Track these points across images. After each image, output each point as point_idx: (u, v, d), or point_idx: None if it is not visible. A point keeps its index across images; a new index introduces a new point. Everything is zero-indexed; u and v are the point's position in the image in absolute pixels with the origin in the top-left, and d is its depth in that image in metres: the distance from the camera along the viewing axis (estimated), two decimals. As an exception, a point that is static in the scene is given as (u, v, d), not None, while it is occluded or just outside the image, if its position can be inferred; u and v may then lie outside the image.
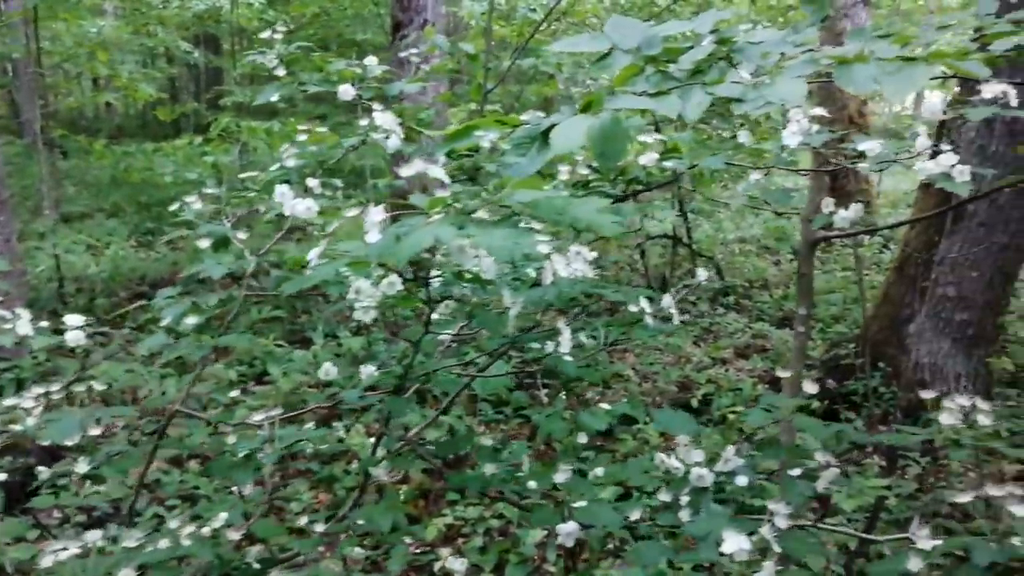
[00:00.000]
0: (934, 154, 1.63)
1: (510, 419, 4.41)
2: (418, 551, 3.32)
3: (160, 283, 6.89)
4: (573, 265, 1.30)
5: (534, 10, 7.25)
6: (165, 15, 11.32)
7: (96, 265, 7.70)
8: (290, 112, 11.25)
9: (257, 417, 1.70)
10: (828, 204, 2.13)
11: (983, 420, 1.74)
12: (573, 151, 1.13)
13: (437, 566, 3.13)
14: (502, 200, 1.18)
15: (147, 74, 11.70)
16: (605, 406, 4.03)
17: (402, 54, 3.10)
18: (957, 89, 4.39)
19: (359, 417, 4.29)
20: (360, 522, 1.97)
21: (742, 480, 1.31)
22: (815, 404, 4.52)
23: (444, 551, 3.21)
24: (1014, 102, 1.36)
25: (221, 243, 1.75)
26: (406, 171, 1.25)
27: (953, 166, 1.37)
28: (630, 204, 2.38)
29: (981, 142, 4.34)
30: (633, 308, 1.59)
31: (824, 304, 6.25)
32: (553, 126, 1.18)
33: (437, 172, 1.25)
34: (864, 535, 2.04)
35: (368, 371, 1.70)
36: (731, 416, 4.41)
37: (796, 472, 1.55)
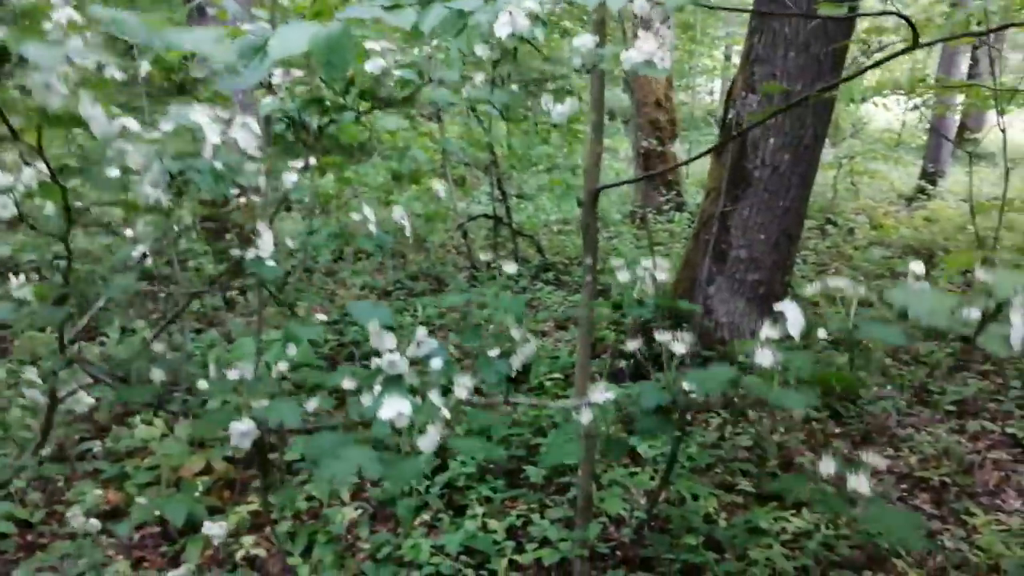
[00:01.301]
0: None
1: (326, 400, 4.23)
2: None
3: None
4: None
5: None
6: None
7: None
8: None
9: None
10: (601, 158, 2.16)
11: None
12: (292, 55, 1.06)
13: (240, 554, 2.93)
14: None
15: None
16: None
17: None
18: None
19: (155, 412, 3.96)
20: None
21: (437, 363, 1.29)
22: (623, 363, 4.70)
23: (247, 539, 3.02)
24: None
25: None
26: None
27: (654, 52, 1.37)
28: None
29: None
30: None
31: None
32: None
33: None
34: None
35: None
36: (548, 383, 4.48)
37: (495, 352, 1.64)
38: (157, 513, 3.12)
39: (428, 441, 1.27)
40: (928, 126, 11.16)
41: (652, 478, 3.43)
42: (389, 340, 1.26)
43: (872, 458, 4.03)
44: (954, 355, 5.19)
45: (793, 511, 3.32)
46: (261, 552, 3.01)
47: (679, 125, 9.83)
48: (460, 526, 3.07)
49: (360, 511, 3.27)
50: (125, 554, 3.05)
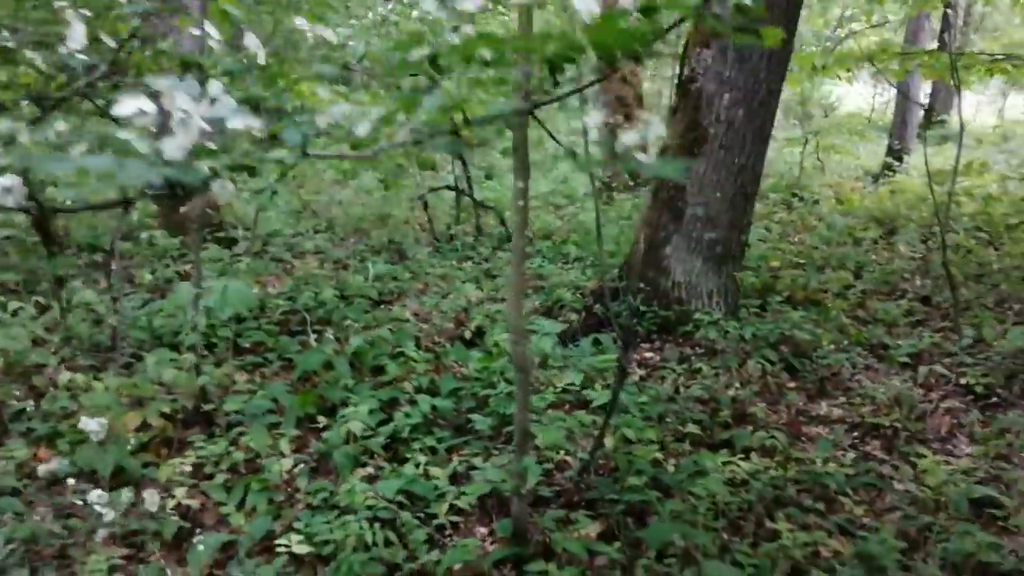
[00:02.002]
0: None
1: (272, 362, 4.14)
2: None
3: None
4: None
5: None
6: None
7: None
8: None
9: None
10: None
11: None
12: None
13: (171, 504, 2.83)
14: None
15: None
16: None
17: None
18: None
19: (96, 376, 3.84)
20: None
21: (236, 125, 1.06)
22: (574, 318, 4.65)
23: (180, 491, 2.92)
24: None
25: None
26: None
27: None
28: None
29: (717, 68, 4.61)
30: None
31: (607, 244, 6.51)
32: None
33: None
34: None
35: None
36: (502, 344, 4.41)
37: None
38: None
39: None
40: (895, 105, 11.23)
41: (595, 422, 3.37)
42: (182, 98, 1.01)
43: (825, 408, 4.01)
44: (911, 312, 5.19)
45: (742, 456, 3.28)
46: (194, 503, 2.91)
47: (645, 100, 9.80)
48: (401, 474, 2.99)
49: (301, 464, 3.18)
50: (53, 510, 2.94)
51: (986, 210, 6.74)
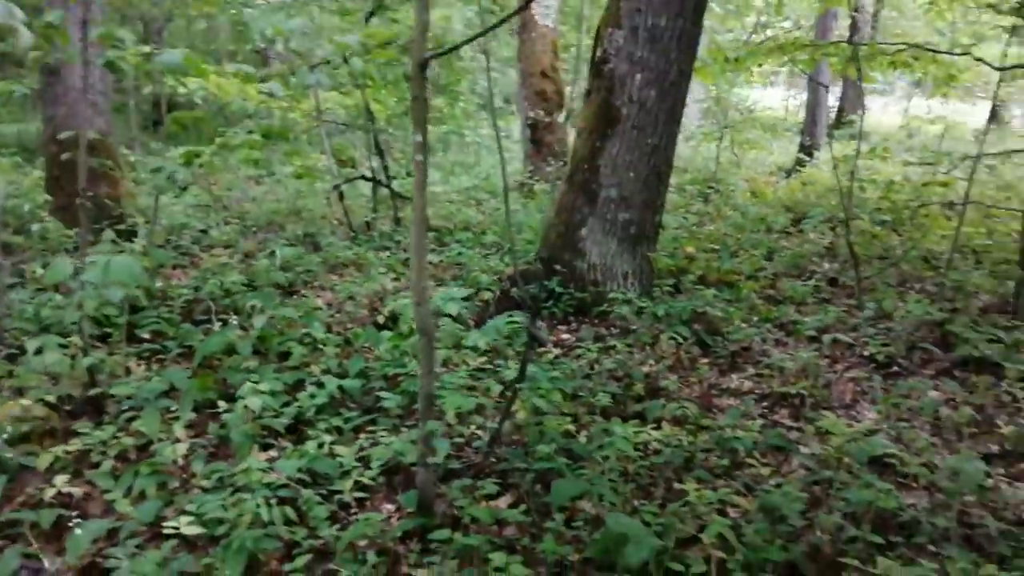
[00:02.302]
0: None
1: (171, 350, 3.94)
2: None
3: None
4: None
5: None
6: None
7: None
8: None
9: None
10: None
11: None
12: None
13: (49, 494, 2.64)
14: None
15: None
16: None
17: None
18: None
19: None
20: None
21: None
22: (488, 296, 4.59)
23: (60, 478, 2.72)
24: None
25: None
26: None
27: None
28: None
29: (629, 49, 4.63)
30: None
31: (526, 233, 6.51)
32: None
33: None
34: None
35: None
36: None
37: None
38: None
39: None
40: (806, 104, 11.60)
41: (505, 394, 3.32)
42: None
43: (736, 381, 4.05)
44: (818, 290, 5.33)
45: (654, 426, 3.27)
46: (77, 491, 2.72)
47: (567, 96, 9.85)
48: (304, 453, 2.86)
49: (199, 449, 3.02)
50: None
51: (888, 196, 7.00)
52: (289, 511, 2.51)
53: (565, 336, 4.57)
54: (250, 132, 4.42)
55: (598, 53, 4.82)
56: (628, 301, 4.55)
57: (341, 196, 6.53)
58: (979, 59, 4.62)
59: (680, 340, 4.19)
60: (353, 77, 5.83)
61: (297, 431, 3.18)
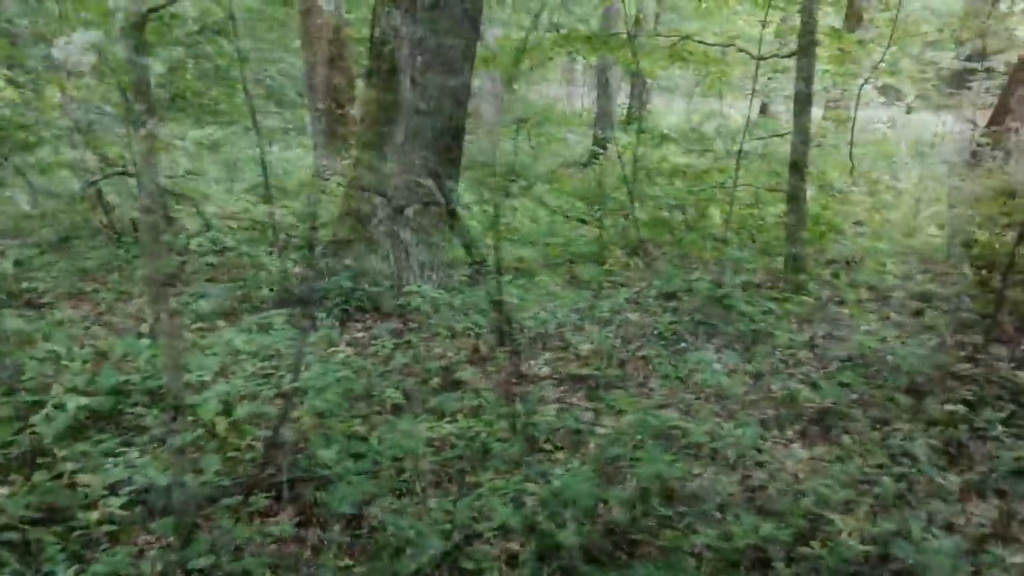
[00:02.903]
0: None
1: None
2: None
3: None
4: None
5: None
6: None
7: None
8: None
9: None
10: None
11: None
12: None
13: None
14: None
15: None
16: None
17: None
18: None
19: None
20: None
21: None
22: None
23: None
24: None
25: None
26: None
27: None
28: None
29: (408, 28, 4.46)
30: None
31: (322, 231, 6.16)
32: None
33: None
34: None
35: None
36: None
37: None
38: None
39: None
40: (596, 99, 12.08)
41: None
42: None
43: (534, 367, 4.00)
44: (611, 272, 5.47)
45: (449, 420, 3.13)
46: None
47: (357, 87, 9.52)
48: (36, 487, 2.42)
49: None
50: None
51: (673, 183, 7.38)
52: (10, 557, 2.10)
53: (360, 334, 4.33)
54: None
55: (376, 33, 4.61)
56: (424, 294, 4.38)
57: (99, 194, 5.83)
58: (741, 49, 4.93)
59: (478, 330, 4.08)
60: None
61: (31, 462, 2.70)
